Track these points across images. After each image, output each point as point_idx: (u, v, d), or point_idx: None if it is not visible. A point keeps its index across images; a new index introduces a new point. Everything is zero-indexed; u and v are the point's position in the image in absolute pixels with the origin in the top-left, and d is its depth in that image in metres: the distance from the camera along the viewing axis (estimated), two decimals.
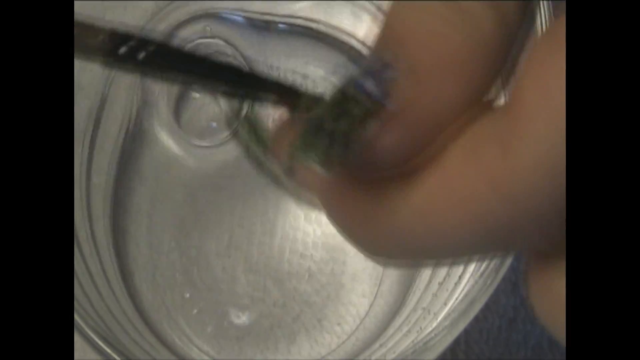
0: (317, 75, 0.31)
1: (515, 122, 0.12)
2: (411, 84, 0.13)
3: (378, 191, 0.14)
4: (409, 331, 0.26)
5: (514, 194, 0.12)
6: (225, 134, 0.31)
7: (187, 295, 0.30)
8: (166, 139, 0.31)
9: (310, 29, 0.31)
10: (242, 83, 0.16)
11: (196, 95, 0.32)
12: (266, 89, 0.16)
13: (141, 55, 0.15)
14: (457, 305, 0.23)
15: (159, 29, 0.31)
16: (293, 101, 0.15)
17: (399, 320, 0.28)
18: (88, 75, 0.29)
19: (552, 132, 0.12)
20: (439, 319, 0.24)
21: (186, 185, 0.31)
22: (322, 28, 0.31)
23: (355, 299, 0.30)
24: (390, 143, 0.13)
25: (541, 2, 0.21)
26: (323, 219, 0.30)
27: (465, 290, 0.23)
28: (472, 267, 0.24)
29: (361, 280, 0.30)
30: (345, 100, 0.13)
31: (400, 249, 0.14)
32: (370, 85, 0.13)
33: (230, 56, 0.31)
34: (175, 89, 0.31)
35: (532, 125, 0.12)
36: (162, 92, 0.31)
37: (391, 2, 0.14)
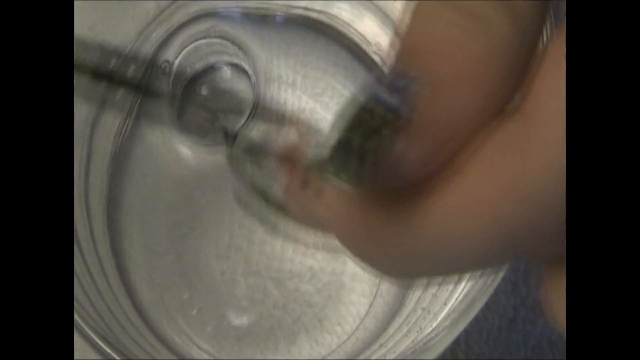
0: (317, 67, 0.31)
1: (529, 125, 0.13)
2: (434, 96, 0.13)
3: (396, 211, 0.14)
4: (408, 331, 0.26)
5: (529, 196, 0.12)
6: (230, 131, 0.31)
7: (186, 296, 0.30)
8: (166, 137, 0.31)
9: (309, 18, 0.31)
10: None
11: (201, 93, 0.32)
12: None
13: (129, 75, 0.15)
14: (457, 306, 0.23)
15: (159, 30, 0.31)
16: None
17: (398, 320, 0.28)
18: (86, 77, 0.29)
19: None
20: (439, 319, 0.24)
21: (185, 185, 0.31)
22: (322, 18, 0.31)
23: (355, 298, 0.30)
24: (417, 156, 0.13)
25: None
26: None
27: (465, 290, 0.23)
28: None
29: (361, 280, 0.30)
30: (370, 116, 0.13)
31: (422, 267, 0.14)
32: (389, 97, 0.13)
33: (232, 55, 0.31)
34: (177, 86, 0.31)
35: (546, 128, 0.12)
36: (164, 88, 0.31)
37: (408, 15, 0.14)
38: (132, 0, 0.30)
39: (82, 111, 0.29)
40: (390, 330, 0.28)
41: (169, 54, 0.31)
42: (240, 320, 0.30)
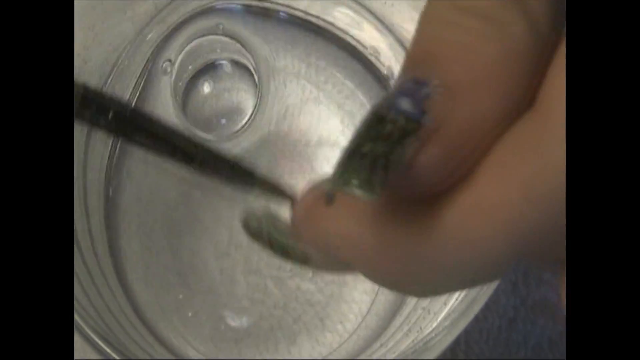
0: (318, 65, 0.31)
1: (543, 124, 0.12)
2: (447, 99, 0.13)
3: (412, 222, 0.14)
4: (409, 330, 0.26)
5: (544, 195, 0.12)
6: (233, 128, 0.31)
7: (182, 296, 0.30)
8: None
9: (310, 22, 0.31)
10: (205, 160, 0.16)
11: (205, 89, 0.31)
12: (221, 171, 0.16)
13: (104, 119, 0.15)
14: (457, 305, 0.23)
15: (158, 29, 0.31)
16: (247, 181, 0.15)
17: (399, 320, 0.28)
18: (85, 77, 0.29)
19: None
20: (439, 319, 0.24)
21: (184, 183, 0.31)
22: (320, 23, 0.31)
23: (357, 296, 0.30)
24: (431, 160, 0.13)
25: None
26: None
27: (465, 290, 0.23)
28: None
29: (363, 277, 0.30)
30: (382, 121, 0.13)
31: (442, 280, 0.14)
32: (405, 104, 0.13)
33: (235, 52, 0.31)
34: (179, 84, 0.31)
35: (560, 127, 0.12)
36: (166, 83, 0.31)
37: (420, 19, 0.14)
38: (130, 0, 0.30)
39: None
40: (391, 329, 0.28)
41: (170, 52, 0.31)
42: (239, 321, 0.30)
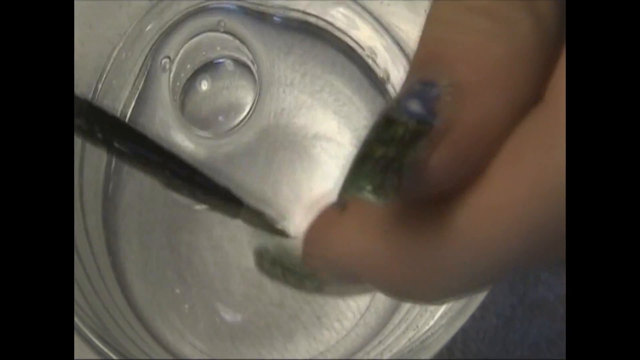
0: (314, 73, 0.31)
1: (552, 118, 0.12)
2: (456, 100, 0.13)
3: (425, 226, 0.14)
4: (406, 329, 0.26)
5: (555, 189, 0.12)
6: (231, 125, 0.31)
7: (178, 291, 0.30)
8: (163, 130, 0.31)
9: (307, 23, 0.31)
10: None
11: (203, 87, 0.31)
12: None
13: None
14: (454, 304, 0.23)
15: (155, 26, 0.31)
16: (233, 209, 0.15)
17: (397, 318, 0.28)
18: (81, 73, 0.29)
19: None
20: (436, 317, 0.24)
21: None
22: (319, 23, 0.31)
23: None
24: (442, 161, 0.13)
25: None
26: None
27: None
28: None
29: None
30: (392, 125, 0.13)
31: (456, 283, 0.14)
32: (415, 106, 0.13)
33: (234, 50, 0.31)
34: (177, 83, 0.31)
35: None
36: (165, 80, 0.31)
37: (425, 20, 0.14)
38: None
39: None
40: (389, 327, 0.28)
41: (168, 50, 0.31)
42: (234, 317, 0.30)
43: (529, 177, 0.12)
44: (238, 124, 0.31)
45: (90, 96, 0.30)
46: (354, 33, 0.31)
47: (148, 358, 0.26)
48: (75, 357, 0.21)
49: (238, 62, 0.31)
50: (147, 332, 0.29)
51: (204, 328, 0.30)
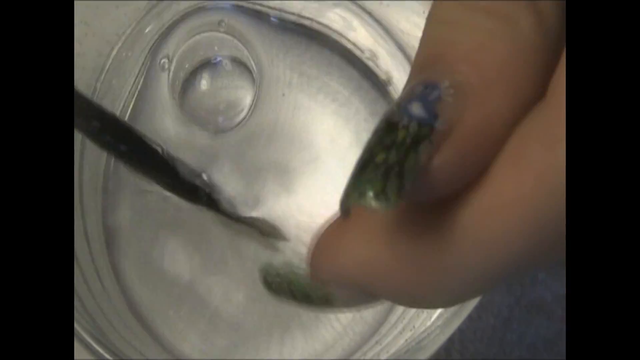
0: (310, 74, 0.31)
1: (556, 112, 0.12)
2: (458, 100, 0.13)
3: (430, 230, 0.13)
4: (403, 329, 0.26)
5: (557, 187, 0.12)
6: (228, 124, 0.31)
7: (177, 291, 0.30)
8: (165, 128, 0.31)
9: (303, 26, 0.31)
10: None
11: (202, 86, 0.31)
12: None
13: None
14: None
15: (153, 26, 0.31)
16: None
17: (394, 317, 0.28)
18: (79, 72, 0.29)
19: None
20: (433, 318, 0.24)
21: None
22: (314, 26, 0.31)
23: None
24: (445, 163, 0.13)
25: None
26: (319, 212, 0.30)
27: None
28: None
29: None
30: (394, 129, 0.13)
31: (465, 286, 0.14)
32: (416, 109, 0.13)
33: (232, 49, 0.31)
34: (177, 82, 0.31)
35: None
36: (164, 79, 0.31)
37: (426, 21, 0.14)
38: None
39: None
40: (387, 326, 0.28)
41: (167, 49, 0.31)
42: (233, 315, 0.30)
43: (532, 174, 0.12)
44: (237, 124, 0.31)
45: (90, 95, 0.30)
46: (352, 34, 0.31)
47: (144, 359, 0.26)
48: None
49: (236, 62, 0.32)
50: (145, 333, 0.29)
51: (203, 328, 0.30)
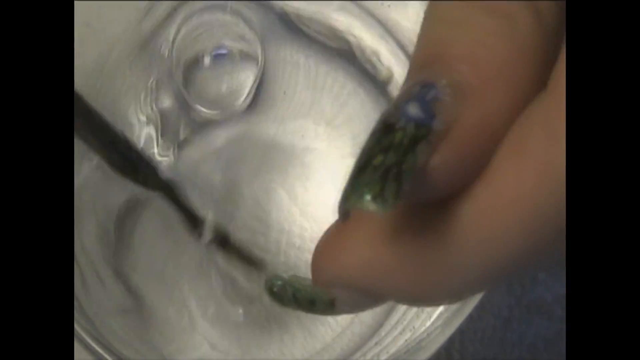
0: (311, 72, 0.31)
1: (557, 102, 0.12)
2: (456, 99, 0.13)
3: (431, 230, 0.13)
4: (403, 330, 0.26)
5: (561, 180, 0.12)
6: (233, 107, 0.31)
7: (178, 291, 0.30)
8: (168, 109, 0.31)
9: (305, 25, 0.31)
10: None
11: (204, 69, 0.31)
12: None
13: None
14: (451, 305, 0.23)
15: (154, 24, 0.31)
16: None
17: (394, 318, 0.28)
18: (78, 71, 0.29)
19: None
20: (433, 318, 0.24)
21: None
22: (317, 26, 0.31)
23: None
24: (443, 163, 0.13)
25: None
26: (319, 214, 0.30)
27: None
28: None
29: None
30: (390, 130, 0.13)
31: (471, 283, 0.14)
32: (413, 109, 0.13)
33: (236, 34, 0.31)
34: (181, 62, 0.31)
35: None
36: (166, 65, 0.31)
37: (422, 21, 0.14)
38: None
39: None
40: (386, 327, 0.28)
41: (169, 32, 0.31)
42: (236, 310, 0.30)
43: (534, 170, 0.12)
44: (242, 106, 0.30)
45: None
46: (353, 34, 0.31)
47: (143, 359, 0.26)
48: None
49: (239, 48, 0.31)
50: (146, 333, 0.29)
51: (204, 328, 0.30)
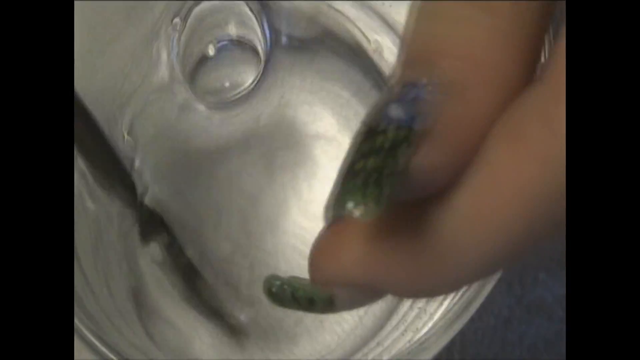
0: (312, 70, 0.31)
1: (553, 89, 0.12)
2: (438, 97, 0.12)
3: (423, 222, 0.13)
4: (405, 330, 0.26)
5: (559, 160, 0.12)
6: (235, 96, 0.31)
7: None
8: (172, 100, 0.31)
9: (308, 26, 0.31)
10: None
11: (210, 53, 0.31)
12: None
13: None
14: (453, 306, 0.23)
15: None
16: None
17: (395, 319, 0.28)
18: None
19: None
20: (435, 319, 0.24)
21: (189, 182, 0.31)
22: (321, 26, 0.31)
23: None
24: (426, 162, 0.12)
25: None
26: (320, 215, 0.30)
27: (461, 291, 0.23)
28: None
29: None
30: (372, 134, 0.12)
31: (470, 270, 0.13)
32: (395, 110, 0.12)
33: (241, 23, 0.31)
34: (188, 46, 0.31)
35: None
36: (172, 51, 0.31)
37: (409, 21, 0.14)
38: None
39: None
40: (388, 328, 0.28)
41: (179, 11, 0.31)
42: (239, 318, 0.30)
43: (533, 157, 0.12)
44: (242, 97, 0.30)
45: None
46: (356, 33, 0.31)
47: (148, 359, 0.26)
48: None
49: (243, 39, 0.31)
50: (150, 334, 0.29)
51: (208, 331, 0.30)
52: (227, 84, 0.31)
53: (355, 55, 0.31)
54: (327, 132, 0.31)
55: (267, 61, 0.31)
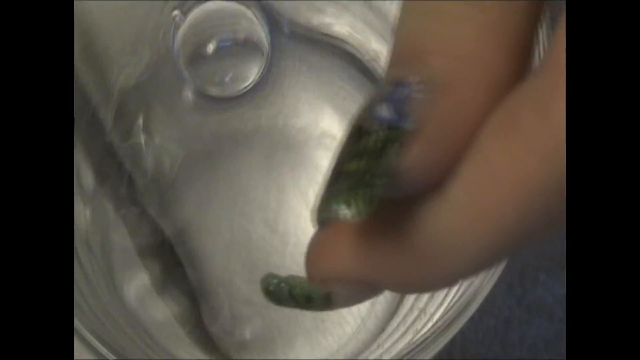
0: (312, 70, 0.31)
1: (551, 80, 0.12)
2: (428, 95, 0.12)
3: (415, 217, 0.13)
4: (405, 332, 0.26)
5: (554, 150, 0.12)
6: (239, 90, 0.31)
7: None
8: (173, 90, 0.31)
9: (310, 30, 0.31)
10: None
11: (210, 48, 0.31)
12: None
13: None
14: (453, 307, 0.23)
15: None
16: None
17: (396, 321, 0.28)
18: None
19: None
20: (435, 319, 0.24)
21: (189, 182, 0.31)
22: (321, 31, 0.31)
23: None
24: (416, 161, 0.12)
25: None
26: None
27: (461, 291, 0.23)
28: None
29: None
30: (362, 134, 0.12)
31: (458, 265, 0.13)
32: (384, 111, 0.12)
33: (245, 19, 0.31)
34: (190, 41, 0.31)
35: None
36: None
37: (398, 19, 0.13)
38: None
39: None
40: (389, 330, 0.28)
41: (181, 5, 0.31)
42: (237, 321, 0.30)
43: (529, 150, 0.12)
44: (247, 88, 0.30)
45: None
46: (356, 35, 0.31)
47: (149, 359, 0.26)
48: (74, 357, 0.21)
49: (246, 36, 0.31)
50: (149, 335, 0.29)
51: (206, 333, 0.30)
52: (227, 82, 0.31)
53: (356, 52, 0.31)
54: (329, 130, 0.31)
55: (268, 60, 0.31)
